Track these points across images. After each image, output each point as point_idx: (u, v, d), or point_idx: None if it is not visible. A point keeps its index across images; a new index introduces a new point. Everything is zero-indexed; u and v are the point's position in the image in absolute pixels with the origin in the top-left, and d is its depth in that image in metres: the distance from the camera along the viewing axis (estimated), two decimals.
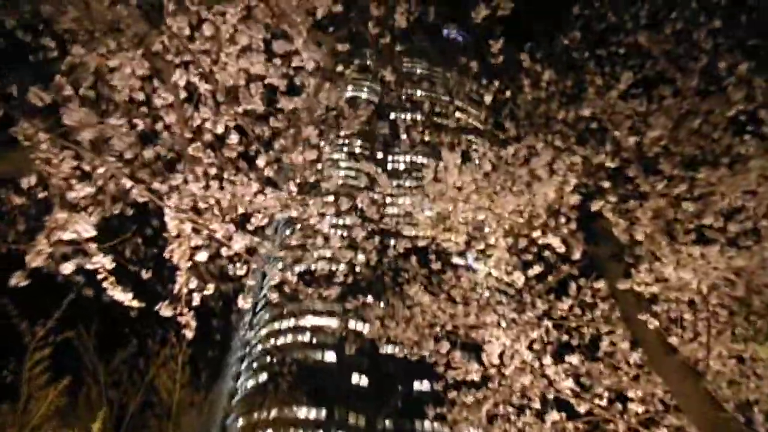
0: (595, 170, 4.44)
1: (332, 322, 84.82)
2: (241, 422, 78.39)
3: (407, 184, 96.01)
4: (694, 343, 4.48)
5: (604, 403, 4.93)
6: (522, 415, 5.66)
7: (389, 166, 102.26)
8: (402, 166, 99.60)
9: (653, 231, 4.04)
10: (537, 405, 5.51)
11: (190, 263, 4.13)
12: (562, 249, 4.71)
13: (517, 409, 5.71)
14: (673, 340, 4.39)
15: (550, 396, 5.11)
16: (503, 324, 5.07)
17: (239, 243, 4.36)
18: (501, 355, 5.05)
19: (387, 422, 79.53)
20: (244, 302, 5.33)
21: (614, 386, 5.24)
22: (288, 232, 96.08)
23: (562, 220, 4.56)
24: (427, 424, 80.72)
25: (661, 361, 4.00)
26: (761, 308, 4.44)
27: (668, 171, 4.18)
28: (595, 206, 4.31)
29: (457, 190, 4.94)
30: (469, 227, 4.97)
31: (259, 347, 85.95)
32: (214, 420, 68.86)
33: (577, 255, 4.66)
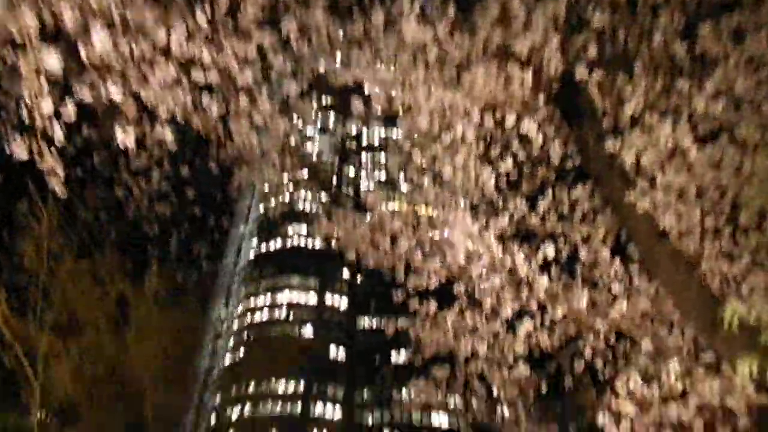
0: (580, 26, 3.99)
1: (309, 297, 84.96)
2: (219, 398, 78.55)
3: (383, 160, 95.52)
4: (685, 237, 4.41)
5: (582, 305, 4.64)
6: (491, 325, 5.34)
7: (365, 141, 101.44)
8: (377, 142, 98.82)
9: (643, 108, 3.77)
10: (508, 311, 5.07)
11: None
12: (539, 141, 4.37)
13: (486, 319, 5.37)
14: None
15: (523, 300, 4.70)
16: (470, 220, 4.59)
17: None
18: (468, 256, 4.56)
19: (365, 393, 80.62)
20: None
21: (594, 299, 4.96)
22: (262, 208, 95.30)
23: (541, 100, 4.14)
24: (404, 393, 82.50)
25: (653, 249, 3.77)
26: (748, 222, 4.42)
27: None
28: (580, 75, 3.88)
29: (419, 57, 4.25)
30: (435, 114, 4.45)
31: (236, 324, 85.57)
32: (190, 397, 68.75)
33: (556, 149, 4.42)
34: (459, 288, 5.01)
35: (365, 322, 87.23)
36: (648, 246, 4.08)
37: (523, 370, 5.66)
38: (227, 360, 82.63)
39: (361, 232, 4.88)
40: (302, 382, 76.89)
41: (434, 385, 5.85)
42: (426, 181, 5.11)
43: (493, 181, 4.94)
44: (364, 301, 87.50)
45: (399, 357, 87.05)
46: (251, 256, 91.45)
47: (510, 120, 4.60)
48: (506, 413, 6.19)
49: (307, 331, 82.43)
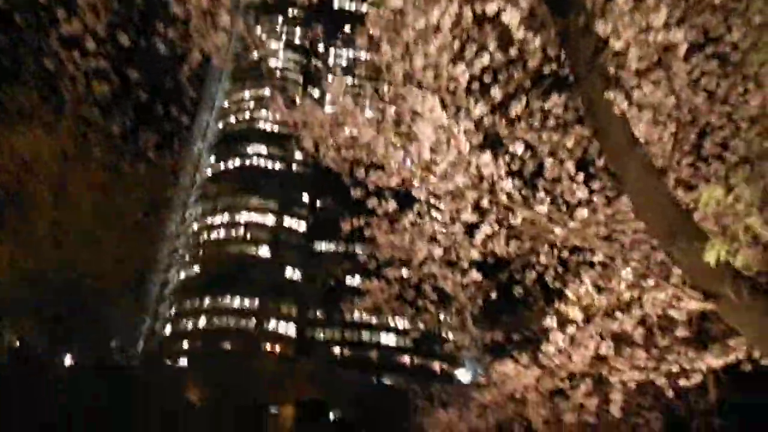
0: None
1: (267, 218, 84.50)
2: (174, 309, 79.18)
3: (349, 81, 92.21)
4: (657, 145, 4.32)
5: (543, 211, 4.53)
6: (449, 228, 5.12)
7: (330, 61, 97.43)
8: (344, 62, 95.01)
9: None
10: (467, 215, 4.80)
11: None
12: (519, 35, 4.05)
13: (444, 225, 5.11)
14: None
15: (485, 203, 4.47)
16: (440, 111, 4.23)
17: None
18: (434, 150, 4.32)
19: (318, 312, 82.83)
20: None
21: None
22: (221, 125, 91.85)
23: None
24: (356, 314, 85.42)
25: (623, 153, 3.61)
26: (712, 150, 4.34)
27: None
28: None
29: None
30: None
31: (192, 240, 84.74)
32: (146, 306, 68.76)
33: (536, 46, 4.12)
34: (420, 191, 4.70)
35: (322, 246, 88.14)
36: (619, 151, 3.86)
37: (475, 275, 5.57)
38: (183, 274, 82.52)
39: (321, 119, 4.45)
40: (257, 300, 78.01)
41: (386, 284, 5.68)
42: (394, 71, 4.65)
43: (465, 82, 4.55)
44: (322, 227, 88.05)
45: (353, 281, 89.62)
46: (209, 173, 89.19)
47: (491, 8, 4.15)
48: (454, 319, 6.12)
49: (264, 251, 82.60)
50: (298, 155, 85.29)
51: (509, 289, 6.13)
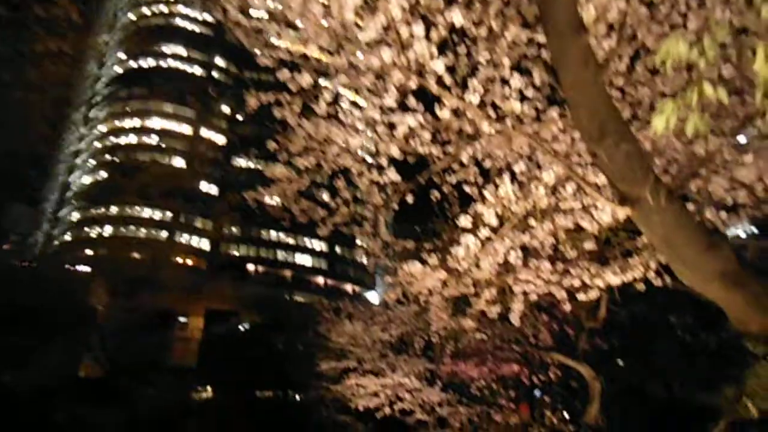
0: None
1: (183, 128, 78.89)
2: (76, 215, 73.59)
3: None
4: (601, 38, 4.02)
5: (476, 101, 4.15)
6: (368, 114, 4.61)
7: None
8: None
9: None
10: (389, 99, 4.27)
11: None
12: None
13: (364, 112, 4.65)
14: None
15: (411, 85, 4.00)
16: None
17: None
18: (357, 12, 3.67)
19: (234, 229, 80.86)
20: None
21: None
22: (133, 16, 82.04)
23: None
24: (273, 233, 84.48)
25: (565, 38, 3.30)
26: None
27: None
28: None
29: None
30: None
31: (98, 144, 77.57)
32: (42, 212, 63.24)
33: None
34: (338, 63, 4.03)
35: (241, 162, 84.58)
36: (561, 35, 3.41)
37: (393, 175, 5.15)
38: (87, 179, 76.14)
39: None
40: (169, 212, 74.32)
41: (296, 174, 5.12)
42: None
43: None
44: (242, 142, 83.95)
45: (272, 199, 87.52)
46: (118, 71, 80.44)
47: None
48: (367, 225, 5.71)
49: (179, 161, 77.78)
50: (220, 62, 79.14)
51: (426, 195, 5.79)
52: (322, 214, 5.95)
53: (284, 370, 27.59)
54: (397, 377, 14.95)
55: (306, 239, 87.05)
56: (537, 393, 12.66)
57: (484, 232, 4.80)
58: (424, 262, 5.11)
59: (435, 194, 5.55)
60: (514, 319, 5.76)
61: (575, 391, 11.39)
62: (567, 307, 6.17)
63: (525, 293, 5.80)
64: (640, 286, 6.11)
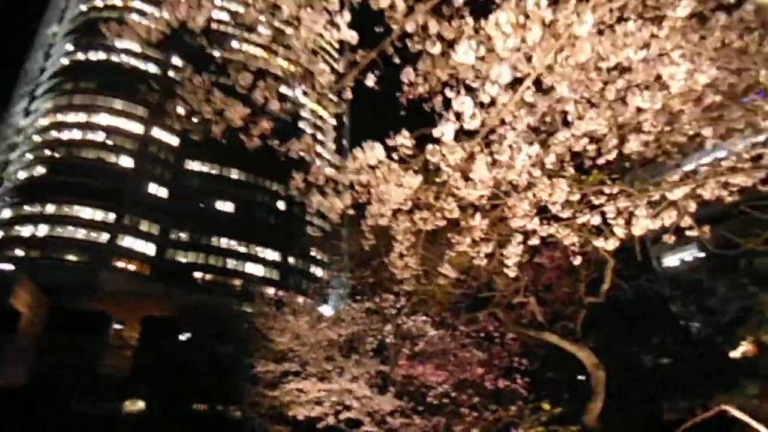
0: None
1: (133, 126, 74.26)
2: (8, 212, 67.33)
3: None
4: None
5: None
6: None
7: None
8: None
9: None
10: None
11: None
12: None
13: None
14: None
15: None
16: None
17: None
18: None
19: (182, 235, 76.57)
20: None
21: None
22: (83, 7, 77.30)
23: None
24: (224, 240, 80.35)
25: None
26: None
27: None
28: None
29: None
30: None
31: (37, 138, 71.83)
32: None
33: None
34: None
35: (194, 165, 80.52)
36: None
37: (347, 32, 3.28)
38: (22, 175, 70.13)
39: None
40: (112, 213, 69.33)
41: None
42: None
43: None
44: (197, 145, 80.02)
45: (224, 206, 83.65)
46: (64, 63, 75.00)
47: None
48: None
49: (126, 161, 73.03)
50: (177, 61, 75.50)
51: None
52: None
53: (224, 382, 24.94)
54: (344, 382, 12.80)
55: (259, 248, 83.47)
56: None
57: (473, 123, 2.98)
58: (391, 150, 3.22)
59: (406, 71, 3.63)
60: (510, 269, 3.89)
61: (570, 383, 9.65)
62: (576, 260, 4.38)
63: (525, 233, 3.96)
64: (668, 239, 4.41)
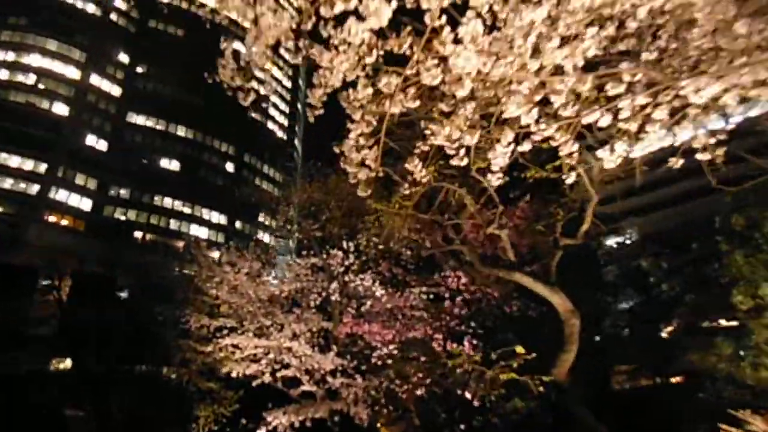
0: None
1: (69, 71, 68.15)
2: None
3: None
4: None
5: None
6: None
7: None
8: None
9: None
10: None
11: None
12: None
13: None
14: None
15: None
16: None
17: None
18: None
19: (123, 191, 72.17)
20: None
21: None
22: None
23: None
24: (167, 200, 76.38)
25: None
26: None
27: None
28: None
29: None
30: None
31: None
32: None
33: None
34: None
35: (138, 119, 75.40)
36: None
37: None
38: None
39: None
40: (44, 164, 63.99)
41: None
42: None
43: None
44: (140, 97, 74.71)
45: (169, 164, 79.12)
46: None
47: None
48: None
49: (60, 108, 67.24)
50: (120, 3, 69.58)
51: None
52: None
53: (159, 340, 23.44)
54: (283, 339, 11.80)
55: (205, 210, 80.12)
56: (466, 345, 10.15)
57: None
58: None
59: None
60: (494, 175, 2.97)
61: (535, 329, 9.02)
62: (569, 178, 3.53)
63: (519, 128, 3.04)
64: (675, 162, 3.64)
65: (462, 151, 2.89)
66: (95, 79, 70.35)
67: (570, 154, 3.21)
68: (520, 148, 3.11)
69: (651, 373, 14.34)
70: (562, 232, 6.99)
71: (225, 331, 12.11)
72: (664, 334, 18.22)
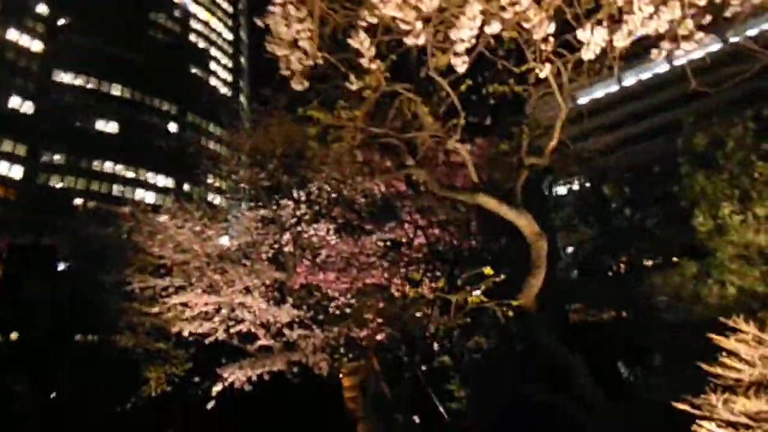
0: None
1: None
2: None
3: None
4: None
5: None
6: None
7: None
8: None
9: None
10: None
11: None
12: None
13: None
14: None
15: None
16: None
17: None
18: None
19: (57, 157, 67.37)
20: None
21: None
22: None
23: None
24: (108, 164, 72.04)
25: None
26: None
27: None
28: None
29: None
30: None
31: None
32: None
33: None
34: None
35: (65, 77, 69.49)
36: None
37: None
38: None
39: None
40: None
41: None
42: None
43: None
44: (65, 54, 68.53)
45: (106, 126, 74.04)
46: None
47: None
48: None
49: None
50: None
51: None
52: None
53: (103, 308, 22.27)
54: (236, 294, 11.22)
55: (150, 174, 76.22)
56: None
57: None
58: None
59: None
60: (459, 58, 2.45)
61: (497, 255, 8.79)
62: (544, 70, 3.06)
63: (485, 15, 2.51)
64: (657, 56, 3.25)
65: (419, 25, 2.32)
66: (12, 34, 63.90)
67: (545, 39, 2.73)
68: (488, 29, 2.59)
69: (612, 307, 14.78)
70: (528, 151, 6.64)
71: (172, 290, 11.36)
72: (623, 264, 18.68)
